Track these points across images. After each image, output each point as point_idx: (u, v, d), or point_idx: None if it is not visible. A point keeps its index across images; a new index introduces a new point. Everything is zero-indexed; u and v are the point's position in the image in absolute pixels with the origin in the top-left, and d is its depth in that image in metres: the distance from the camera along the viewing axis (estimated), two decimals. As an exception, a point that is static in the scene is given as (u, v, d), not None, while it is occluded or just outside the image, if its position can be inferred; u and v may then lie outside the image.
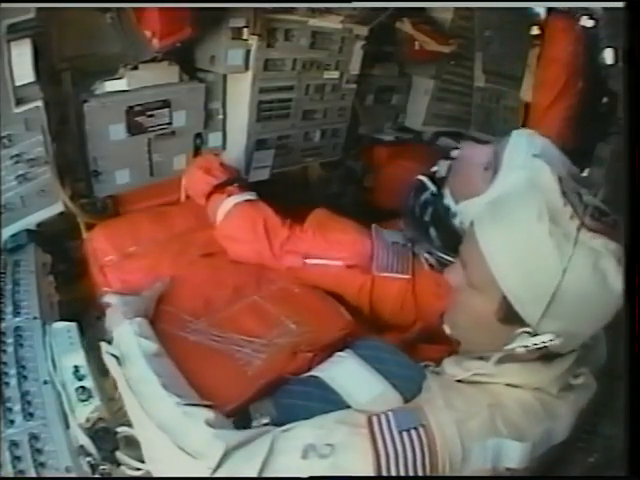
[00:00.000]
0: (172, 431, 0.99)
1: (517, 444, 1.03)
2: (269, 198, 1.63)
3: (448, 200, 1.51)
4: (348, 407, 1.12)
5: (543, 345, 1.02)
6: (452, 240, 1.35)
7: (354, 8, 1.88)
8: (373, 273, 1.48)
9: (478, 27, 2.45)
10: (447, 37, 2.35)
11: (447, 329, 1.21)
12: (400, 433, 0.98)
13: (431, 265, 1.48)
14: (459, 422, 1.01)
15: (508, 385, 1.09)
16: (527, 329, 1.03)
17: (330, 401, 1.14)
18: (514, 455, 1.03)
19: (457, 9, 2.36)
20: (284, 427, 1.03)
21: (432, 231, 1.52)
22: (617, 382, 1.12)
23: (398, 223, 1.63)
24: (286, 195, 2.06)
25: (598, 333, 1.14)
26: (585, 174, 1.50)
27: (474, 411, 1.04)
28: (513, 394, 1.08)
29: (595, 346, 1.20)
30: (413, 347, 1.39)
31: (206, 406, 1.06)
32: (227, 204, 1.54)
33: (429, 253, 1.47)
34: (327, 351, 1.30)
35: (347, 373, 1.20)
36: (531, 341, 1.03)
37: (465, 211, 1.43)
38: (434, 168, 1.60)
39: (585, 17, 2.12)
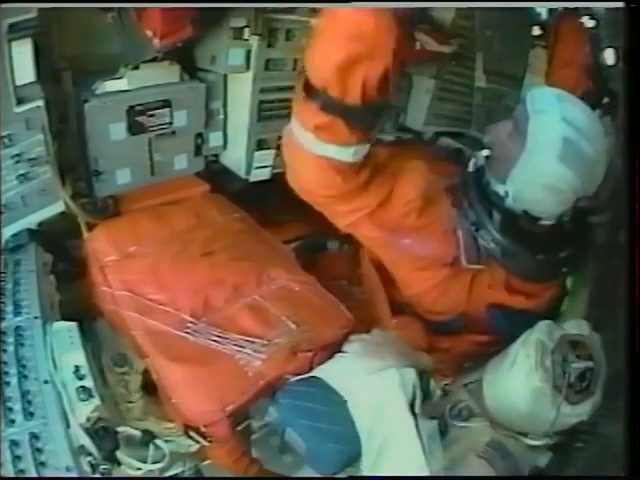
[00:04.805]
0: None
1: None
2: (269, 198, 1.62)
3: (494, 185, 1.48)
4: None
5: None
6: (509, 222, 1.41)
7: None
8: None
9: (479, 27, 2.44)
10: (448, 37, 2.35)
11: None
12: None
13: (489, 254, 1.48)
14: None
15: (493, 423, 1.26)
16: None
17: (331, 401, 1.15)
18: None
19: (458, 9, 2.36)
20: None
21: (495, 215, 1.49)
22: (616, 382, 1.12)
23: None
24: (286, 195, 2.05)
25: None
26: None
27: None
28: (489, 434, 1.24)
29: None
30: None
31: None
32: None
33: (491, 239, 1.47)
34: (328, 350, 1.31)
35: (348, 373, 1.21)
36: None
37: (512, 183, 1.42)
38: (470, 164, 1.59)
39: (586, 17, 2.11)
